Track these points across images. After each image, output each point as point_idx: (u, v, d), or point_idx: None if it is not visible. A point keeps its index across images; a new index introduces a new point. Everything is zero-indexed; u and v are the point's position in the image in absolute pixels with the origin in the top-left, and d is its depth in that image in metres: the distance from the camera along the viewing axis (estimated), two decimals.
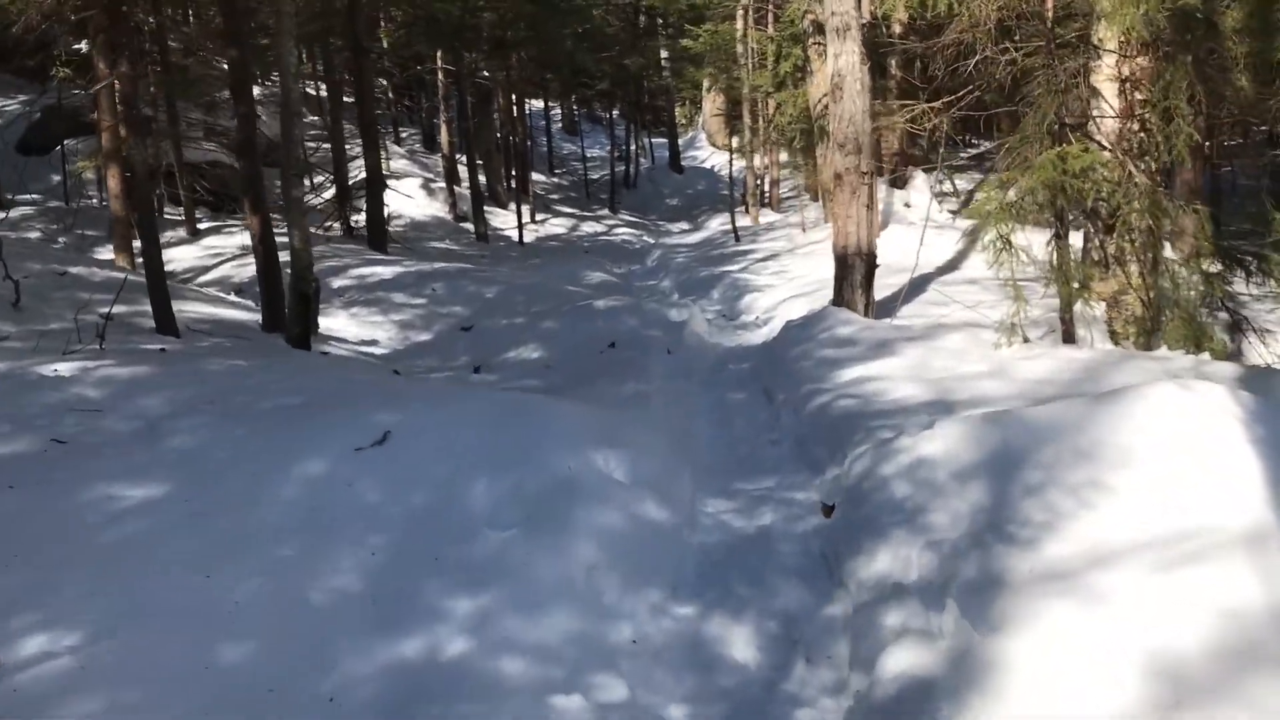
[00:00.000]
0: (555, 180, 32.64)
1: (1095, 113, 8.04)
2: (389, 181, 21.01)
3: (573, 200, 29.50)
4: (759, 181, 22.29)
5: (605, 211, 28.17)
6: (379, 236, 14.96)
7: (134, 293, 8.38)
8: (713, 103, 39.69)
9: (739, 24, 17.80)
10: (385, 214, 17.36)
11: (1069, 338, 8.13)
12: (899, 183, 16.41)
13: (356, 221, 16.69)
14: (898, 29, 18.92)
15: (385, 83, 27.52)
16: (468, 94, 21.60)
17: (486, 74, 19.94)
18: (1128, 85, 7.95)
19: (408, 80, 29.59)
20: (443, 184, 21.77)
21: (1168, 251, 7.31)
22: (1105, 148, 7.24)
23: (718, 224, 21.62)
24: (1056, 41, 7.92)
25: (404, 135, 30.44)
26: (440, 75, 20.66)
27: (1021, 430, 4.16)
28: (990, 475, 4.01)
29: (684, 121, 45.28)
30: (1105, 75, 8.07)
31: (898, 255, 13.17)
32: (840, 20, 8.22)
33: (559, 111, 45.02)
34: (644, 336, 9.52)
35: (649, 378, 7.94)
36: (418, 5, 15.92)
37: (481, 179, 26.40)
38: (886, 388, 6.20)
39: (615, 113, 37.00)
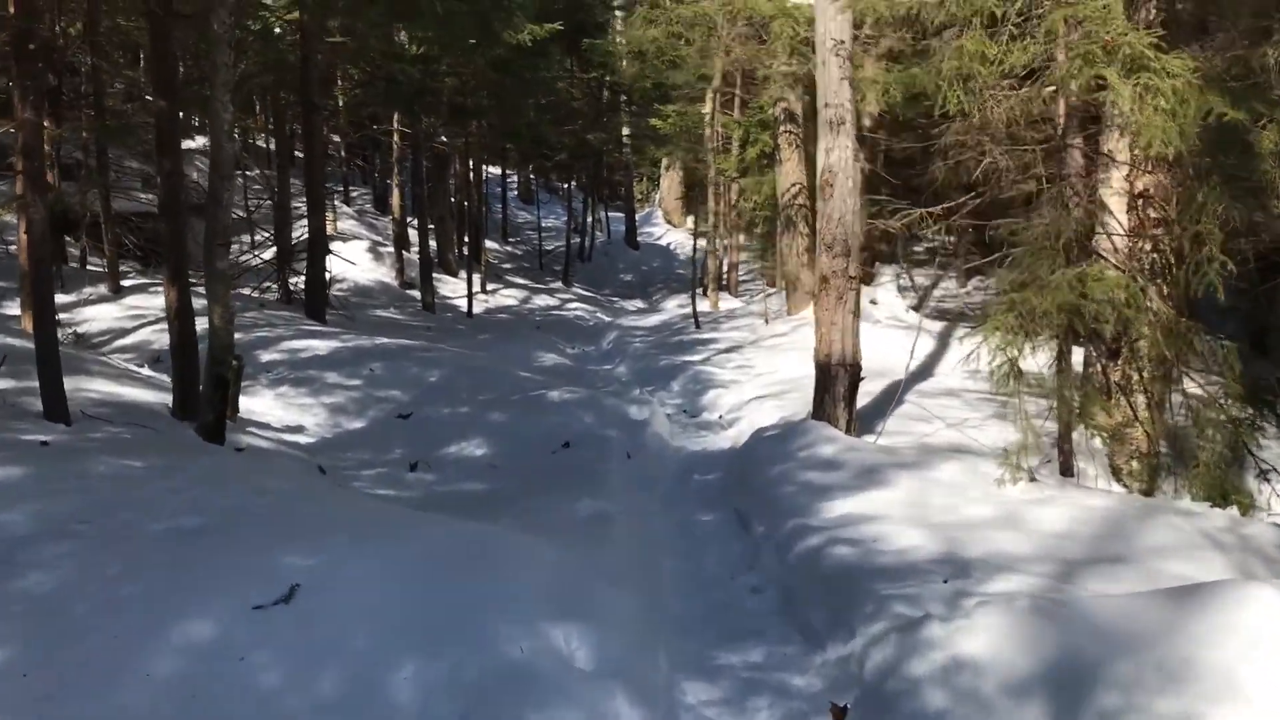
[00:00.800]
0: (509, 249, 31.92)
1: (1101, 229, 7.49)
2: (334, 244, 20.11)
3: (525, 271, 28.76)
4: (719, 266, 21.71)
5: (558, 284, 27.44)
6: (318, 303, 14.01)
7: (28, 364, 7.36)
8: (671, 180, 39.48)
9: (707, 106, 17.32)
10: (327, 279, 16.44)
11: (1067, 469, 7.45)
12: (864, 279, 15.90)
13: (296, 285, 15.75)
14: (867, 122, 18.63)
15: (338, 139, 26.73)
16: (423, 158, 20.86)
17: (445, 139, 19.20)
18: (1140, 201, 7.40)
19: (362, 139, 28.86)
20: (391, 248, 20.88)
21: (1191, 387, 6.66)
22: (1117, 266, 6.63)
23: (675, 305, 20.98)
24: (1066, 149, 7.37)
25: (355, 195, 29.59)
26: (396, 137, 19.90)
27: (1087, 632, 3.36)
28: (1053, 694, 3.21)
29: (641, 197, 45.02)
30: (1114, 189, 7.53)
31: (868, 357, 12.54)
32: (835, 113, 7.60)
33: (516, 179, 44.58)
34: (601, 436, 8.68)
35: (607, 491, 7.09)
36: (376, 65, 15.22)
37: (433, 244, 25.61)
38: (885, 532, 5.41)
39: (573, 184, 36.59)
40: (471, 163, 25.93)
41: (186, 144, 18.48)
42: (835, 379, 7.70)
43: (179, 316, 7.52)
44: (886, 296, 15.87)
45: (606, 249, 34.57)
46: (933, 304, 21.95)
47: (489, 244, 30.72)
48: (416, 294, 19.44)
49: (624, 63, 20.65)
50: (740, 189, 20.63)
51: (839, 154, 7.62)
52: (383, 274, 20.34)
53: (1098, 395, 7.45)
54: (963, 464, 6.77)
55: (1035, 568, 4.76)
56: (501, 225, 32.91)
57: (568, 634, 3.74)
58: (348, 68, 16.85)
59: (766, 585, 5.47)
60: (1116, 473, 7.44)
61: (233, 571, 4.01)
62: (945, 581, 4.55)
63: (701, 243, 22.13)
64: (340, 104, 18.54)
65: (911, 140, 20.49)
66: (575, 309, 23.30)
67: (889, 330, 14.43)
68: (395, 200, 20.52)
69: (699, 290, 20.60)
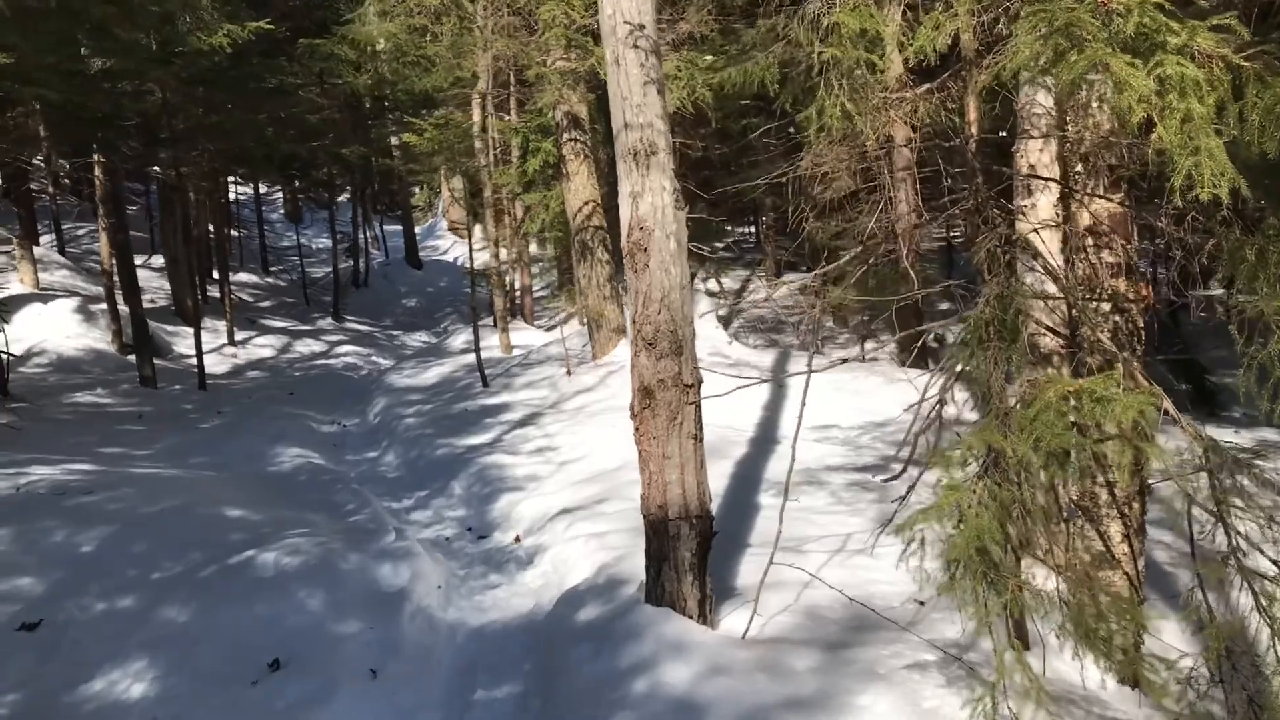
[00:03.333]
0: (270, 281, 27.95)
1: (1030, 278, 5.14)
2: (24, 307, 16.08)
3: (289, 308, 25.02)
4: (509, 291, 18.81)
5: (327, 321, 23.90)
6: None
7: None
8: (452, 188, 36.23)
9: (475, 114, 14.40)
10: (1, 358, 12.62)
11: (1021, 635, 5.10)
12: None
13: None
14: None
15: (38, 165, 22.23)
16: (129, 191, 17.01)
17: (158, 169, 15.51)
18: (1089, 240, 5.09)
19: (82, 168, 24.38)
20: (105, 305, 16.94)
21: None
22: (1109, 366, 4.26)
23: (461, 344, 18.01)
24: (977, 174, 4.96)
25: (82, 235, 25.01)
26: (99, 170, 16.00)
27: None
28: None
29: (422, 206, 41.47)
30: (1041, 218, 5.20)
31: None
32: (641, 138, 4.92)
33: (282, 196, 40.16)
34: (332, 637, 5.75)
35: None
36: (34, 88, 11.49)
37: (155, 293, 21.60)
38: None
39: (341, 199, 32.85)
40: (214, 186, 22.02)
41: None
42: (676, 539, 5.04)
43: None
44: (706, 326, 13.47)
45: (385, 270, 31.10)
46: (744, 315, 19.91)
47: (244, 278, 26.81)
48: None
49: (356, 69, 17.33)
50: (525, 207, 17.83)
51: (652, 200, 4.95)
52: (95, 339, 16.42)
53: (1048, 525, 5.12)
54: (894, 693, 4.25)
55: None
56: (260, 254, 28.86)
57: None
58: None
59: None
60: (1088, 639, 5.14)
61: None
62: None
63: (483, 257, 19.18)
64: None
65: (725, 147, 18.29)
66: (346, 354, 19.96)
67: (714, 377, 12.00)
68: (104, 247, 16.60)
69: (485, 321, 17.70)
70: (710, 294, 19.33)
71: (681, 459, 5.06)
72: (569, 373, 12.65)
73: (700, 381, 5.19)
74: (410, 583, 6.57)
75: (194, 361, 18.56)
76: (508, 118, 18.14)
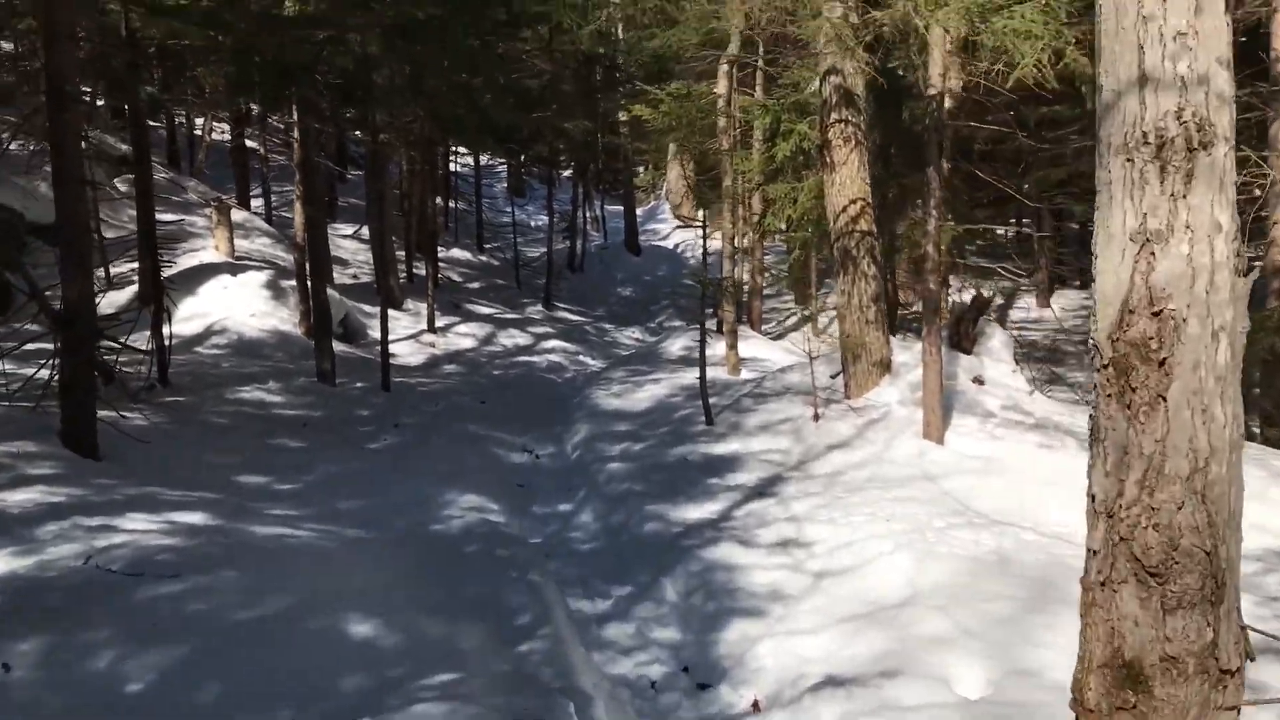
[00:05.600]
0: (485, 259, 26.47)
1: None
2: (212, 279, 14.77)
3: (499, 290, 23.35)
4: (741, 296, 16.16)
5: (538, 308, 22.03)
6: (82, 426, 8.52)
7: None
8: (679, 168, 33.93)
9: (721, 85, 11.78)
10: (165, 343, 11.08)
11: None
12: (964, 341, 10.41)
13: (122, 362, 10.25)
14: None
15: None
16: (322, 155, 15.45)
17: (360, 132, 13.77)
18: None
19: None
20: (294, 281, 15.47)
21: None
22: None
23: (679, 350, 15.56)
24: None
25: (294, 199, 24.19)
26: (297, 133, 14.42)
27: None
28: None
29: (645, 187, 39.44)
30: None
31: (1001, 509, 7.26)
32: (1178, 112, 2.13)
33: (506, 169, 38.97)
34: None
35: None
36: (211, 32, 9.77)
37: (361, 268, 20.24)
38: None
39: (562, 175, 31.19)
40: (427, 154, 20.47)
41: None
42: None
43: None
44: (999, 370, 10.37)
45: (602, 255, 29.16)
46: (1015, 340, 16.45)
47: (458, 254, 25.39)
48: (340, 347, 14.09)
49: (600, 28, 14.99)
50: (766, 199, 15.13)
51: (1189, 249, 2.17)
52: (282, 319, 14.95)
53: None
54: None
55: None
56: (476, 230, 27.42)
57: None
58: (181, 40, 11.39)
59: None
60: None
61: None
62: None
63: (717, 245, 16.62)
64: (150, 92, 12.99)
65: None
66: (551, 351, 17.91)
67: (1017, 444, 8.99)
68: (297, 216, 15.10)
69: (710, 323, 15.12)
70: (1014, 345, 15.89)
71: None
72: (817, 416, 9.90)
73: (1249, 658, 2.35)
74: None
75: (391, 350, 17.03)
76: (751, 93, 15.48)
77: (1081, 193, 13.55)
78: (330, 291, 16.63)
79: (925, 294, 9.26)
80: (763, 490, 8.30)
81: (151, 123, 17.51)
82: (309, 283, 13.34)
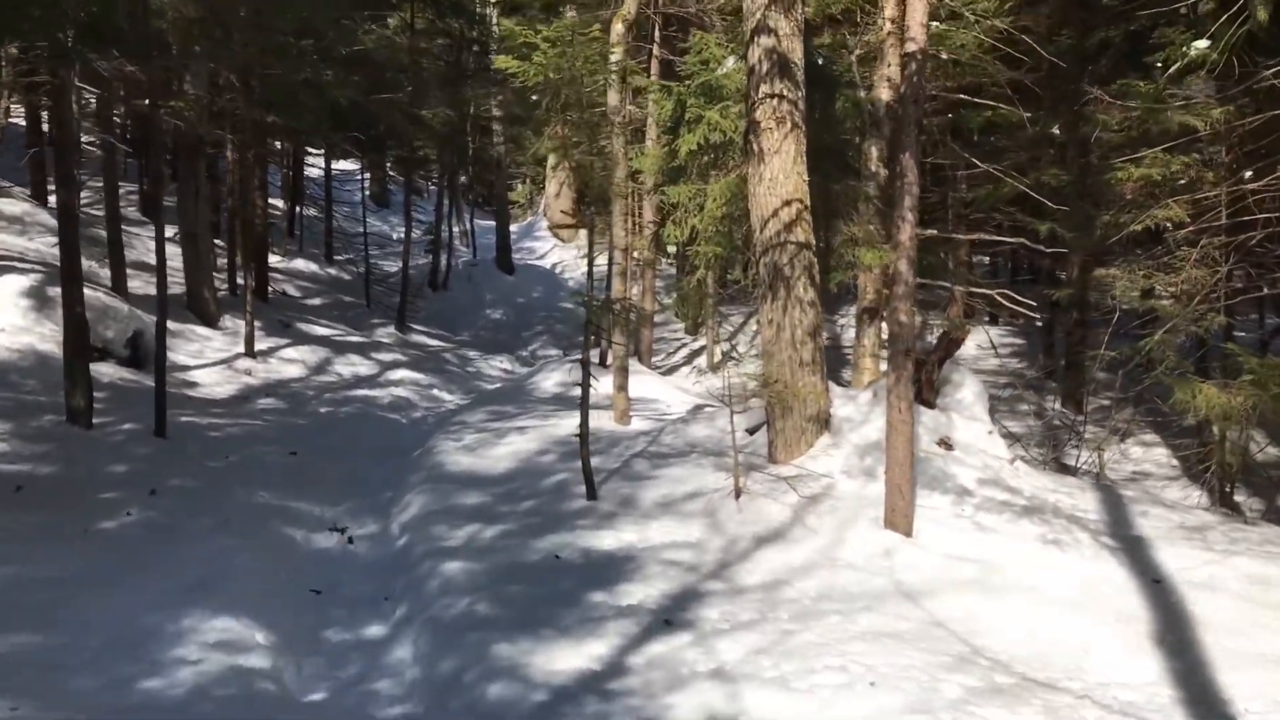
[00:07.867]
0: (333, 273, 23.14)
1: None
2: None
3: (346, 308, 20.13)
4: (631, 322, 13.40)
5: (390, 331, 18.90)
6: None
7: None
8: (559, 183, 31.18)
9: (614, 35, 9.05)
10: None
11: None
12: (925, 391, 7.91)
13: None
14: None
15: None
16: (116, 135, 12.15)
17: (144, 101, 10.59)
18: None
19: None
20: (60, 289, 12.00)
21: None
22: None
23: (554, 386, 12.77)
24: None
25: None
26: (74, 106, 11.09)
27: None
28: None
29: (522, 203, 36.54)
30: None
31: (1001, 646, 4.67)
32: None
33: (371, 176, 35.43)
34: None
35: None
36: None
37: (175, 275, 16.72)
38: None
39: (429, 184, 28.12)
40: (253, 140, 17.19)
41: None
42: None
43: None
44: (972, 430, 7.88)
45: (470, 272, 26.11)
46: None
47: (301, 265, 22.06)
48: (100, 373, 10.76)
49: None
50: (661, 205, 12.46)
51: None
52: (43, 336, 11.55)
53: None
54: None
55: None
56: (324, 240, 24.05)
57: None
58: None
59: None
60: None
61: None
62: None
63: (600, 265, 13.79)
64: None
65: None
66: (398, 385, 14.86)
67: (1012, 540, 6.51)
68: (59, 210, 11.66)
69: (594, 362, 12.30)
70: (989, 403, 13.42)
71: None
72: (738, 495, 7.21)
73: None
74: None
75: (195, 377, 13.71)
76: (646, 74, 12.87)
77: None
78: (114, 303, 13.26)
79: (894, 328, 6.69)
80: (671, 616, 5.53)
81: None
82: (60, 289, 10.05)
